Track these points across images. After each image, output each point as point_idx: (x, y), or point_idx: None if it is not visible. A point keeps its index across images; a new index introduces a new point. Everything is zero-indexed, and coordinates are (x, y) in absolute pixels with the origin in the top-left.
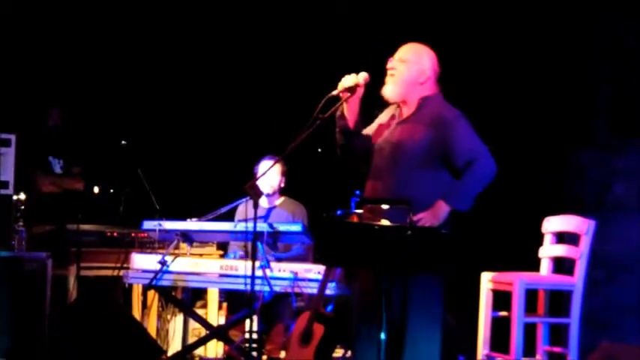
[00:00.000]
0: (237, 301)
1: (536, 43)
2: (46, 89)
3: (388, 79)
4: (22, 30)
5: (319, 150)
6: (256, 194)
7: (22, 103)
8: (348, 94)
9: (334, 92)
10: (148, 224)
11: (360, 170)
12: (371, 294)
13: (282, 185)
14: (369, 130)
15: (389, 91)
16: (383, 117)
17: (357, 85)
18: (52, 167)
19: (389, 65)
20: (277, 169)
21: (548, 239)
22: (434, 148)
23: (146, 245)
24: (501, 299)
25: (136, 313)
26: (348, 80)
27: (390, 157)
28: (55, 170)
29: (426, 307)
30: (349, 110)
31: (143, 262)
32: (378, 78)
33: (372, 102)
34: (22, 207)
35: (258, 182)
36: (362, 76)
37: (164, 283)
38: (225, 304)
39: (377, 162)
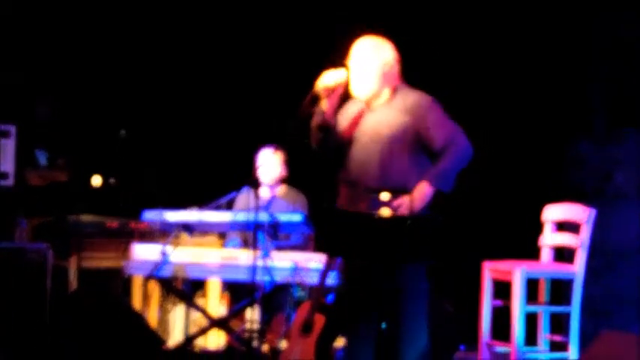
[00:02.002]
0: (238, 291)
1: (537, 37)
2: (42, 81)
3: (355, 78)
4: (19, 21)
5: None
6: (257, 184)
7: (13, 95)
8: (330, 91)
9: (316, 89)
10: (148, 214)
11: (334, 163)
12: (367, 284)
13: (284, 174)
14: (340, 124)
15: (360, 90)
16: (351, 109)
17: (338, 83)
18: (37, 160)
19: (352, 64)
20: (278, 159)
21: (548, 228)
22: (411, 133)
23: (146, 236)
24: (502, 288)
25: (137, 303)
26: (329, 77)
27: (370, 144)
28: (41, 163)
29: (415, 297)
30: (330, 106)
31: (144, 252)
32: None
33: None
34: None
35: (259, 173)
36: (343, 74)
37: (165, 273)
38: (226, 294)
39: (355, 151)
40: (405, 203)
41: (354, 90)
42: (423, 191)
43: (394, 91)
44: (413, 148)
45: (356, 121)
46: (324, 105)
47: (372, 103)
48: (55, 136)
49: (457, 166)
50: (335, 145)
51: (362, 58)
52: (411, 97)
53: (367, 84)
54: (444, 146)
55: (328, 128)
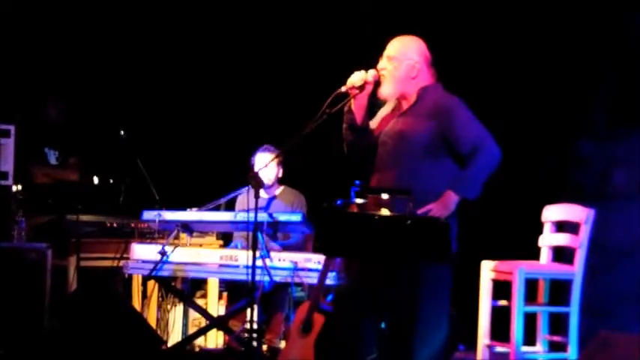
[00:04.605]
0: (237, 291)
1: (538, 34)
2: (44, 79)
3: (381, 80)
4: (20, 20)
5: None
6: (257, 184)
7: (18, 93)
8: (357, 91)
9: (343, 89)
10: (147, 214)
11: (364, 165)
12: (367, 284)
13: (280, 175)
14: (372, 125)
15: (384, 90)
16: (384, 110)
17: (365, 83)
18: (47, 158)
19: (379, 66)
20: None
21: (547, 228)
22: (437, 137)
23: (146, 235)
24: (501, 288)
25: (136, 303)
26: (356, 77)
27: (394, 149)
28: (50, 161)
29: (435, 294)
30: (357, 106)
31: (143, 252)
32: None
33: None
34: (21, 197)
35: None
36: (371, 74)
37: (164, 273)
38: (225, 294)
39: (381, 155)
40: (430, 211)
41: (380, 92)
42: (448, 200)
43: (422, 92)
44: (439, 151)
45: (384, 122)
46: (352, 104)
47: (403, 106)
48: (65, 135)
49: (484, 172)
50: (366, 147)
51: (386, 59)
52: (437, 99)
53: (391, 86)
54: (471, 150)
55: (356, 128)
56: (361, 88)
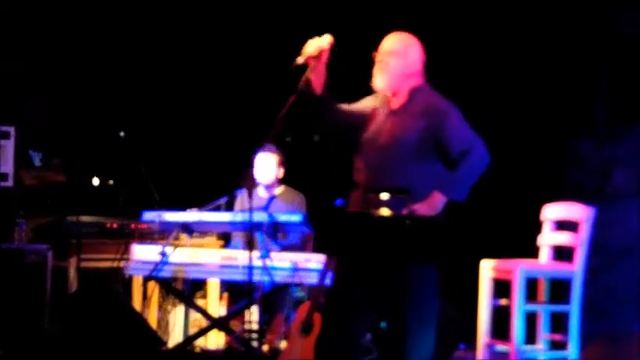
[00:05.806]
0: (237, 292)
1: (536, 33)
2: (44, 79)
3: (377, 71)
4: (20, 19)
5: (316, 138)
6: (251, 185)
7: (18, 94)
8: (314, 61)
9: (300, 60)
10: (147, 215)
11: (343, 149)
12: (365, 284)
13: (281, 176)
14: (358, 107)
15: (379, 83)
16: (370, 100)
17: (321, 51)
18: (31, 160)
19: (377, 57)
20: (273, 160)
21: (547, 227)
22: (427, 138)
23: (146, 236)
24: (501, 287)
25: (137, 304)
26: (312, 46)
27: (384, 148)
28: (34, 163)
29: (423, 296)
30: (315, 75)
31: (143, 253)
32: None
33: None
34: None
35: (256, 174)
36: (325, 40)
37: (164, 274)
38: (225, 295)
39: (369, 153)
40: (416, 211)
41: (374, 83)
42: (434, 200)
43: (414, 92)
44: (428, 153)
45: (372, 114)
46: (310, 74)
47: (392, 104)
48: (51, 136)
49: (472, 175)
50: (336, 123)
51: (386, 52)
52: (429, 100)
53: (387, 80)
54: (460, 154)
55: (311, 97)
56: (318, 57)
